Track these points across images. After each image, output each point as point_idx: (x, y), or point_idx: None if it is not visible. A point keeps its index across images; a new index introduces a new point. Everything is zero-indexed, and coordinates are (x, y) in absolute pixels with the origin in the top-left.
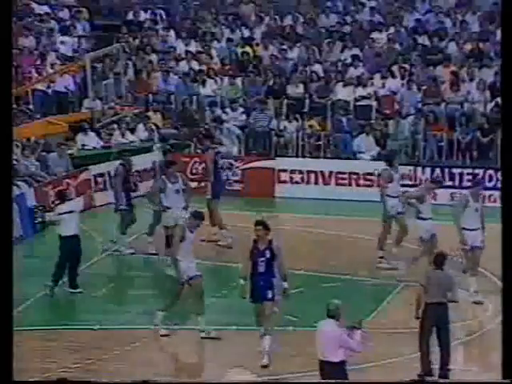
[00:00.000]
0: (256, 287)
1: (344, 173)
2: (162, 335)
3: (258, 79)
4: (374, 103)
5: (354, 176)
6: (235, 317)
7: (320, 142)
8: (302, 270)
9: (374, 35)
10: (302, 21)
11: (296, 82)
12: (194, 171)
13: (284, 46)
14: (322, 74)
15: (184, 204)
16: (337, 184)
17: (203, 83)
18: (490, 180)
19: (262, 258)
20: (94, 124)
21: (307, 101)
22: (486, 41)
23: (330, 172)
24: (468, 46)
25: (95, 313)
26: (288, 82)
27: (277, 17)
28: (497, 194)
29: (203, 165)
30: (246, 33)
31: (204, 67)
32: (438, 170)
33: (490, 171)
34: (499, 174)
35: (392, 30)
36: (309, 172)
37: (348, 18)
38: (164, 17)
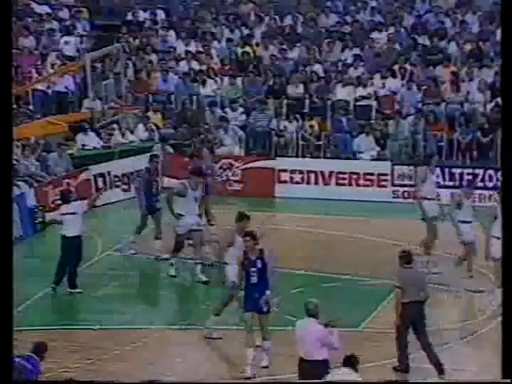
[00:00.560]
0: (249, 298)
1: (344, 173)
2: (213, 338)
3: (258, 79)
4: (374, 103)
5: (354, 176)
6: (235, 317)
7: (320, 142)
8: (302, 270)
9: (374, 35)
10: (301, 21)
11: (296, 82)
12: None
13: (284, 46)
14: (322, 74)
15: (198, 212)
16: (337, 184)
17: (203, 83)
18: (490, 180)
19: (254, 269)
20: (94, 124)
21: (307, 101)
22: (486, 41)
23: (330, 172)
24: (468, 46)
25: (95, 313)
26: (288, 82)
27: (277, 17)
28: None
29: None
30: (246, 33)
31: (204, 67)
32: (438, 170)
33: (490, 171)
34: (499, 173)
35: (392, 29)
36: (309, 172)
37: (348, 18)
38: (164, 17)
